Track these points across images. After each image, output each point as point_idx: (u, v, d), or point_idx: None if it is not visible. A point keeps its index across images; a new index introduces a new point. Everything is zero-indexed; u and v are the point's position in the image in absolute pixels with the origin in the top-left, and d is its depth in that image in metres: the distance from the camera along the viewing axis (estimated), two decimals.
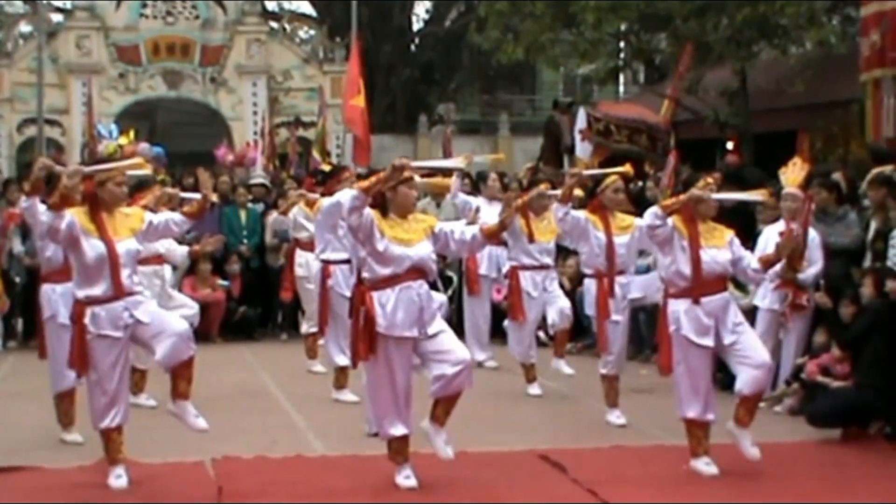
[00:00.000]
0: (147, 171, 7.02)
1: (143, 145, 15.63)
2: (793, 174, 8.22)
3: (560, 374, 8.86)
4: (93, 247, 5.88)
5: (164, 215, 6.61)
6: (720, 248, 6.44)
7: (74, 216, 5.85)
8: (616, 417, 7.85)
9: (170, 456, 6.65)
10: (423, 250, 6.03)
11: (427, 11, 32.47)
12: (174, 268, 9.77)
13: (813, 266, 8.25)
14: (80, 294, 5.95)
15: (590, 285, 7.98)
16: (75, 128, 23.78)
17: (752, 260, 6.57)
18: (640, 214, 7.23)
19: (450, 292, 11.82)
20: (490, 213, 8.52)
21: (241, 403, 8.59)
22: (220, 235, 9.26)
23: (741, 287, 8.63)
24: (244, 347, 11.86)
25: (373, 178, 6.02)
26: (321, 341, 9.58)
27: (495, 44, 17.81)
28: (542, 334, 9.70)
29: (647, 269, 9.52)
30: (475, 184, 11.31)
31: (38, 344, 7.47)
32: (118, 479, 6.03)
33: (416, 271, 6.00)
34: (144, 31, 24.77)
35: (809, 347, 8.38)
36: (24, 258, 11.22)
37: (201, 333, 9.48)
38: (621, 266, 7.85)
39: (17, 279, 11.29)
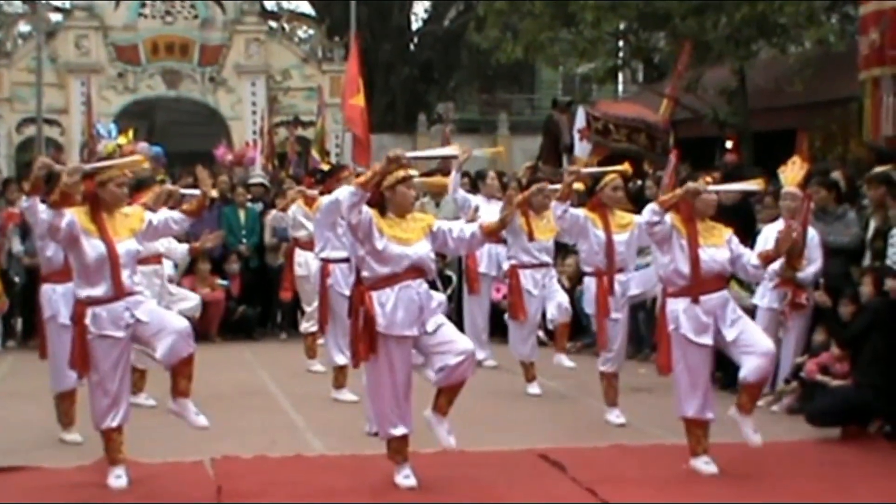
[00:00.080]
0: (146, 167, 7.03)
1: (142, 145, 15.62)
2: (792, 173, 8.22)
3: (560, 372, 8.86)
4: (93, 247, 5.88)
5: (164, 214, 6.61)
6: (719, 246, 6.44)
7: (74, 215, 5.86)
8: (615, 416, 7.86)
9: (169, 455, 6.65)
10: (422, 249, 6.03)
11: (426, 11, 32.48)
12: (175, 265, 9.79)
13: (812, 265, 8.25)
14: (81, 294, 5.95)
15: (589, 283, 7.99)
16: (74, 127, 23.77)
17: (751, 257, 6.57)
18: (639, 213, 7.23)
19: (449, 291, 11.82)
20: (488, 212, 8.52)
21: (241, 403, 8.59)
22: (220, 231, 9.26)
23: (745, 286, 8.63)
24: (243, 347, 11.86)
25: (369, 173, 6.03)
26: (320, 340, 9.58)
27: (494, 43, 17.79)
28: (541, 333, 9.70)
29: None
30: (474, 182, 11.30)
31: (37, 344, 7.48)
32: (118, 479, 6.03)
33: (415, 270, 6.01)
34: (143, 30, 24.75)
35: (809, 346, 8.38)
36: (24, 258, 11.22)
37: (201, 333, 9.48)
38: (621, 264, 7.86)
39: (17, 279, 11.30)
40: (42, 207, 5.77)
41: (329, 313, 8.60)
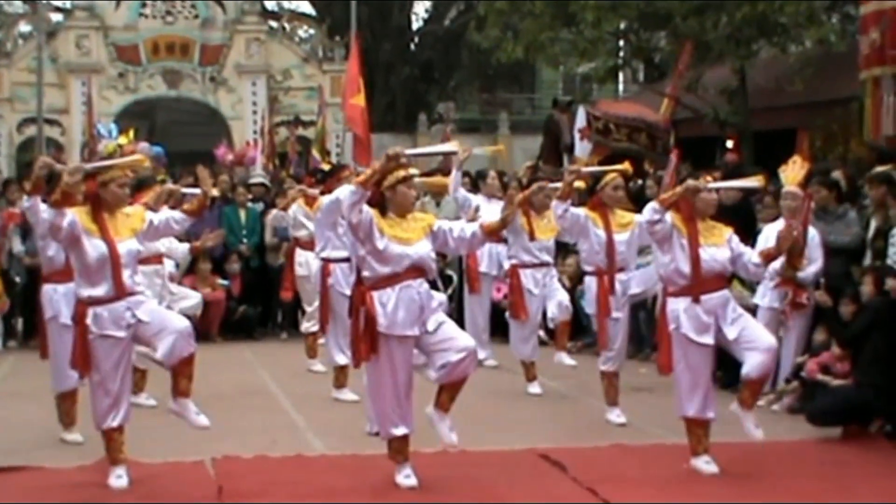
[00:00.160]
0: (147, 167, 7.02)
1: (143, 145, 15.63)
2: (792, 172, 8.22)
3: (561, 372, 8.86)
4: (94, 247, 5.88)
5: (165, 214, 6.61)
6: (719, 246, 6.44)
7: (76, 215, 5.86)
8: (616, 416, 7.85)
9: (170, 455, 6.65)
10: (423, 249, 6.03)
11: (426, 10, 32.48)
12: (177, 265, 9.79)
13: (813, 264, 8.25)
14: (83, 294, 5.95)
15: (590, 283, 7.99)
16: (75, 127, 23.78)
17: (752, 255, 6.57)
18: (639, 213, 7.22)
19: (450, 291, 11.82)
20: (489, 211, 8.53)
21: (241, 403, 8.59)
22: (220, 230, 9.26)
23: (747, 285, 8.63)
24: (244, 347, 11.86)
25: (368, 171, 6.04)
26: (321, 340, 9.58)
27: (495, 42, 17.79)
28: (542, 333, 9.70)
29: None
30: (474, 182, 11.30)
31: (38, 344, 7.48)
32: (119, 479, 6.03)
33: (416, 270, 6.01)
34: (144, 30, 24.76)
35: (809, 346, 8.38)
36: (25, 258, 11.23)
37: (201, 333, 9.48)
38: (621, 263, 7.86)
39: (17, 279, 11.30)
40: (43, 207, 5.77)
41: (330, 313, 8.60)
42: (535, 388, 8.98)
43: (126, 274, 5.95)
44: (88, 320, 5.92)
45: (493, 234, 6.40)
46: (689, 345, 6.37)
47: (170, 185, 8.27)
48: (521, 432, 7.53)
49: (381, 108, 26.82)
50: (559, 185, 8.10)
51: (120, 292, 5.92)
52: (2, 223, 11.50)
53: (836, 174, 9.43)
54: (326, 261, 8.56)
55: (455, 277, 12.18)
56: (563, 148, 16.26)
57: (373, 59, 25.52)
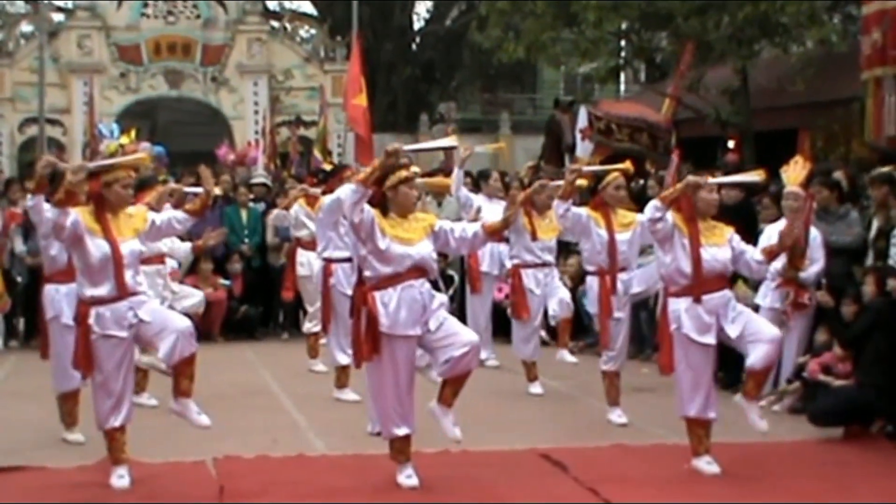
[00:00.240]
0: (149, 164, 7.01)
1: (145, 145, 15.59)
2: (794, 173, 8.20)
3: (562, 372, 8.85)
4: (97, 247, 5.89)
5: (167, 214, 6.62)
6: (720, 246, 6.44)
7: (79, 215, 5.86)
8: (617, 416, 7.85)
9: (171, 455, 6.66)
10: (424, 249, 6.03)
11: (428, 10, 32.46)
12: (179, 264, 9.78)
13: (814, 265, 8.26)
14: (85, 294, 5.95)
15: (592, 282, 7.98)
16: (76, 127, 23.78)
17: (754, 252, 6.56)
18: (641, 212, 7.22)
19: (451, 291, 11.82)
20: (490, 212, 8.54)
21: (243, 403, 8.60)
22: (222, 228, 9.26)
23: (751, 285, 8.62)
24: (246, 346, 11.86)
25: (369, 169, 6.04)
26: (323, 340, 9.58)
27: (496, 42, 17.79)
28: (543, 333, 9.70)
29: None
30: (476, 182, 11.30)
31: (39, 343, 7.47)
32: (120, 478, 6.03)
33: (418, 270, 6.01)
34: (146, 30, 24.75)
35: (811, 346, 8.38)
36: (26, 257, 11.23)
37: (203, 332, 9.48)
38: (623, 263, 7.85)
39: (19, 279, 11.30)
40: (47, 206, 5.77)
41: (331, 313, 8.59)
42: (536, 389, 8.98)
43: (128, 274, 5.95)
44: (91, 320, 5.92)
45: (495, 234, 6.40)
46: (690, 345, 6.37)
47: (172, 185, 8.27)
48: (522, 432, 7.52)
49: (383, 108, 26.82)
50: (561, 182, 8.09)
51: (122, 292, 5.92)
52: (4, 223, 11.50)
53: (838, 174, 9.43)
54: (328, 261, 8.56)
55: (456, 277, 12.18)
56: (564, 148, 16.27)
57: (374, 59, 25.52)
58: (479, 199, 9.69)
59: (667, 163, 11.71)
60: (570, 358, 8.73)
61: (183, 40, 24.88)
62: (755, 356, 6.34)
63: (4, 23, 25.24)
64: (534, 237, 8.85)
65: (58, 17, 25.96)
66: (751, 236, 7.90)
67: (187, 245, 8.62)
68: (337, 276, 8.46)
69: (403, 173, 6.04)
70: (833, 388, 7.66)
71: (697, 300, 6.34)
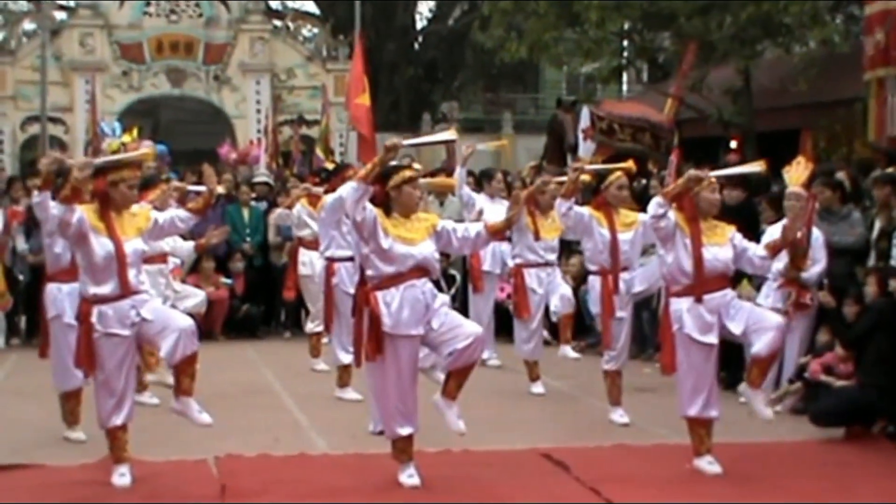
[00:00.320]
0: (152, 161, 7.01)
1: (147, 143, 15.60)
2: (796, 173, 8.19)
3: (564, 372, 8.85)
4: (101, 245, 5.89)
5: (170, 213, 6.62)
6: (722, 245, 6.44)
7: (84, 212, 5.87)
8: (619, 416, 7.85)
9: (173, 454, 6.66)
10: (427, 249, 6.03)
11: (430, 10, 32.45)
12: (181, 262, 9.79)
13: (816, 265, 8.25)
14: (88, 292, 5.96)
15: (594, 282, 7.97)
16: (79, 125, 23.76)
17: (757, 248, 6.55)
18: (643, 212, 7.22)
19: (453, 290, 11.82)
20: (492, 211, 8.54)
21: (245, 401, 8.60)
22: (225, 226, 9.26)
23: (755, 284, 8.62)
24: (247, 345, 11.86)
25: (369, 166, 6.04)
26: (325, 340, 9.58)
27: (499, 42, 17.80)
28: (545, 333, 9.69)
29: None
30: (478, 181, 11.30)
31: (40, 342, 7.47)
32: (122, 477, 6.04)
33: (420, 270, 6.01)
34: (148, 28, 24.74)
35: (813, 346, 8.38)
36: (28, 256, 11.24)
37: (205, 331, 9.48)
38: (625, 263, 7.85)
39: (21, 277, 11.31)
40: (53, 203, 5.77)
41: (334, 312, 8.59)
42: (538, 388, 8.98)
43: (131, 273, 5.95)
44: (93, 318, 5.92)
45: (498, 234, 6.40)
46: (692, 345, 6.36)
47: (176, 183, 8.27)
48: (523, 432, 7.52)
49: (385, 107, 26.81)
50: (563, 179, 8.08)
51: (125, 291, 5.93)
52: (6, 221, 11.51)
53: (840, 175, 9.43)
54: (331, 260, 8.56)
55: (458, 277, 12.17)
56: (566, 148, 16.28)
57: (377, 59, 25.51)
58: (481, 199, 9.69)
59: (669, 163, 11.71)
60: (572, 354, 8.72)
61: (185, 39, 24.87)
62: (760, 343, 6.32)
63: (7, 21, 25.25)
64: (537, 237, 8.85)
65: (60, 15, 25.94)
66: (753, 237, 7.90)
67: (189, 244, 8.62)
68: (339, 275, 8.46)
69: (407, 173, 6.05)
70: (835, 389, 7.66)
71: (699, 300, 6.34)
